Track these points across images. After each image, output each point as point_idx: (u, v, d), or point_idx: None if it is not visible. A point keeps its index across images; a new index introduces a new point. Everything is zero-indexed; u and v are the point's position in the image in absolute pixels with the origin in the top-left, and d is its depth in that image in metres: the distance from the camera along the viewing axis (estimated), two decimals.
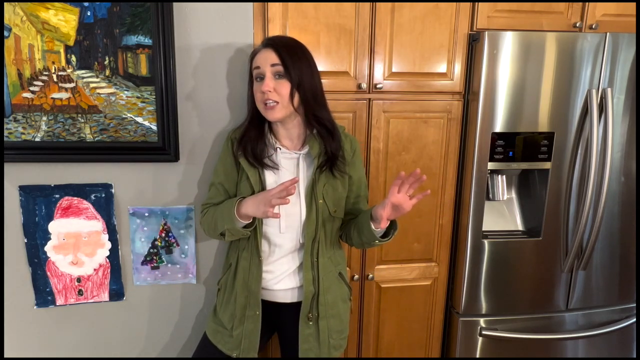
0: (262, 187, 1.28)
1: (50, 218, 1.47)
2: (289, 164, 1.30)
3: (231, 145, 1.34)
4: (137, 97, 1.40)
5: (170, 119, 1.42)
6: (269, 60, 1.20)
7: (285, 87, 1.21)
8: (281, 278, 1.32)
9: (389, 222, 1.23)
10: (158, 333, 1.65)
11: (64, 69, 1.35)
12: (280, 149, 1.29)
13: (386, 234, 1.27)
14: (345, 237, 1.39)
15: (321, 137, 1.27)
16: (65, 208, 1.47)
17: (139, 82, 1.39)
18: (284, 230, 1.29)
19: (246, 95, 1.49)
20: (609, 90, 1.61)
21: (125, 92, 1.40)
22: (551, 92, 1.60)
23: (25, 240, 1.48)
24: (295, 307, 1.33)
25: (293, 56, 1.21)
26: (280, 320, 1.39)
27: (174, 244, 1.57)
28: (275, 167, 1.28)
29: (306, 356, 1.32)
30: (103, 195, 1.48)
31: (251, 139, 1.28)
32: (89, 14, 1.33)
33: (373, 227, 1.22)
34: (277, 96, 1.21)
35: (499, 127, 1.60)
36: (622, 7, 1.66)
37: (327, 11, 1.48)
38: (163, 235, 1.55)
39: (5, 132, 1.36)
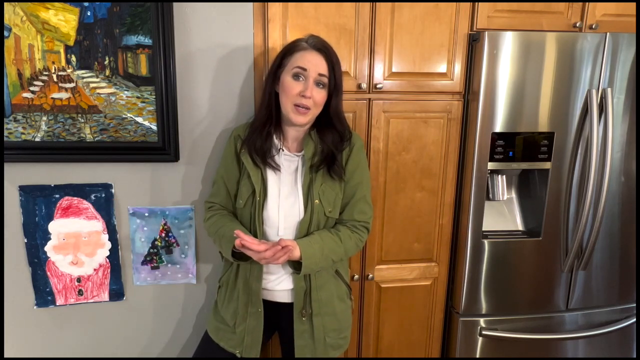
0: (264, 186, 1.28)
1: (50, 218, 1.47)
2: (290, 165, 1.31)
3: (234, 143, 1.34)
4: (137, 97, 1.40)
5: (170, 119, 1.42)
6: (319, 67, 1.20)
7: (322, 96, 1.22)
8: (282, 279, 1.33)
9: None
10: (158, 333, 1.65)
11: (64, 69, 1.35)
12: (282, 150, 1.30)
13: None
14: None
15: (322, 137, 1.28)
16: (65, 208, 1.47)
17: (139, 82, 1.39)
18: (282, 232, 1.29)
19: (246, 94, 1.49)
20: (609, 90, 1.61)
21: (125, 92, 1.40)
22: (551, 92, 1.60)
23: (25, 240, 1.48)
24: (292, 306, 1.33)
25: (339, 69, 1.23)
26: (279, 319, 1.39)
27: (174, 244, 1.57)
28: (277, 167, 1.29)
29: (302, 353, 1.33)
30: (103, 195, 1.48)
31: (260, 138, 1.28)
32: (89, 14, 1.33)
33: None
34: (313, 104, 1.21)
35: (499, 127, 1.60)
36: (622, 7, 1.66)
37: (327, 11, 1.48)
38: (163, 235, 1.55)
39: (5, 132, 1.36)
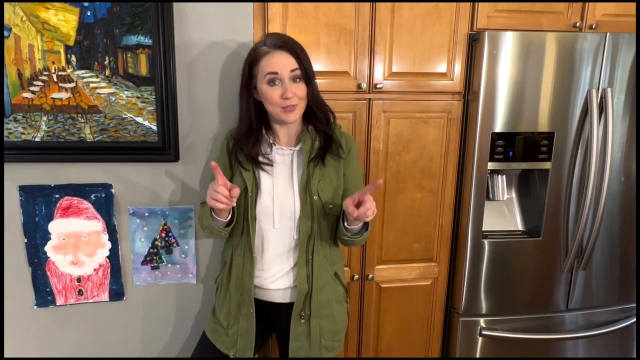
0: (257, 185, 1.29)
1: (50, 218, 1.47)
2: (284, 159, 1.31)
3: (226, 144, 1.35)
4: (137, 97, 1.40)
5: (170, 119, 1.42)
6: (287, 65, 1.21)
7: (303, 89, 1.24)
8: (276, 277, 1.32)
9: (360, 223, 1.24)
10: (158, 333, 1.65)
11: (64, 69, 1.35)
12: (275, 145, 1.31)
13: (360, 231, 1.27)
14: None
15: (316, 127, 1.30)
16: (65, 208, 1.47)
17: (139, 82, 1.39)
18: (278, 226, 1.29)
19: None
20: (609, 90, 1.61)
21: (125, 92, 1.40)
22: (551, 92, 1.60)
23: (25, 240, 1.48)
24: (290, 307, 1.33)
25: (305, 57, 1.23)
26: (276, 320, 1.39)
27: (174, 244, 1.57)
28: (269, 163, 1.29)
29: (296, 355, 1.32)
30: (103, 195, 1.48)
31: (248, 142, 1.29)
32: (89, 14, 1.33)
33: (345, 224, 1.24)
34: (297, 100, 1.23)
35: (499, 127, 1.60)
36: (622, 7, 1.66)
37: (327, 11, 1.48)
38: (163, 235, 1.55)
39: (5, 132, 1.36)
